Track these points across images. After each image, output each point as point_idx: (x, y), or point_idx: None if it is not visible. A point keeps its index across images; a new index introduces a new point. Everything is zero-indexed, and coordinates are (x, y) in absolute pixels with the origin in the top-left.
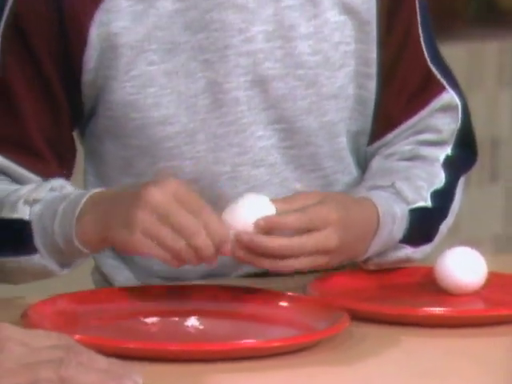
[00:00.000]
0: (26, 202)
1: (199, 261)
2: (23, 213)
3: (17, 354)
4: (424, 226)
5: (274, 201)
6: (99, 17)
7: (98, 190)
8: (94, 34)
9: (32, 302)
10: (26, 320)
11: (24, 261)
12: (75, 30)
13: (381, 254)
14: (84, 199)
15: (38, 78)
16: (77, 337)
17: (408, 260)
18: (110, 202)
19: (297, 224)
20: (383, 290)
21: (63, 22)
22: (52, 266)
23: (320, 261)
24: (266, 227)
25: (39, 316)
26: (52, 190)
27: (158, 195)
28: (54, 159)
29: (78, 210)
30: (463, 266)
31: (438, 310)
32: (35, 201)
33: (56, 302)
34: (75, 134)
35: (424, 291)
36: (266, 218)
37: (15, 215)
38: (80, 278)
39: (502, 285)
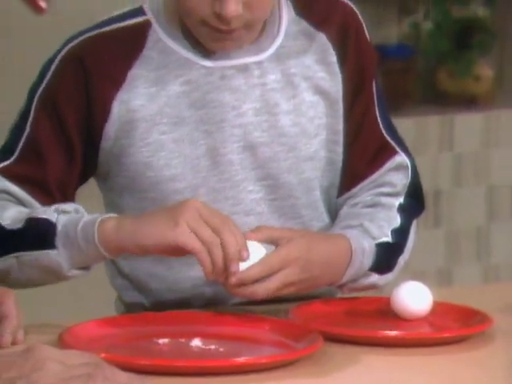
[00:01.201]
0: (56, 210)
1: (223, 262)
2: (51, 216)
3: (54, 371)
4: (387, 257)
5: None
6: (120, 96)
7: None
8: (116, 110)
9: (66, 327)
10: (61, 342)
11: (41, 255)
12: (99, 106)
13: (354, 280)
14: (107, 215)
15: (62, 138)
16: (102, 355)
17: (375, 286)
18: (134, 218)
19: (260, 275)
20: (350, 316)
21: (89, 99)
22: (64, 264)
23: (286, 291)
24: (238, 283)
25: (72, 338)
26: (76, 210)
27: (198, 203)
28: (61, 200)
29: (100, 219)
30: (413, 296)
31: (393, 333)
32: (63, 211)
33: (85, 326)
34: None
35: (382, 317)
36: (238, 275)
37: (44, 216)
38: (104, 307)
39: (445, 312)
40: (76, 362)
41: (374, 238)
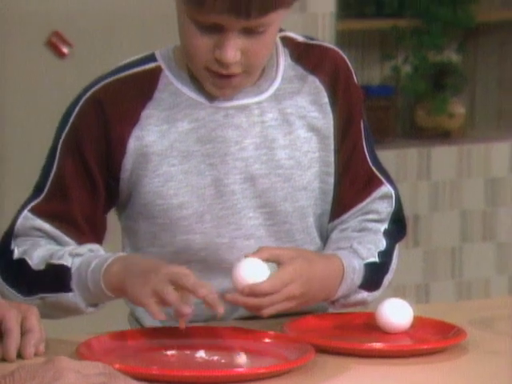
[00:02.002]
0: (70, 255)
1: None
2: (67, 261)
3: (72, 380)
4: (374, 276)
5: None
6: (135, 134)
7: (123, 253)
8: (132, 145)
9: (83, 340)
10: (78, 353)
11: (61, 297)
12: (117, 143)
13: (345, 296)
14: (112, 257)
15: (85, 175)
16: (116, 366)
17: (364, 302)
18: (133, 262)
19: (271, 289)
20: (339, 330)
21: (108, 137)
22: (81, 304)
23: (289, 306)
24: (250, 293)
25: (88, 350)
26: (90, 250)
27: (166, 267)
28: (90, 232)
29: (107, 263)
30: (396, 312)
31: (378, 345)
32: (77, 255)
33: (100, 339)
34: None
35: (368, 331)
36: (251, 286)
37: (61, 261)
38: (117, 321)
39: (424, 326)
40: (92, 371)
41: (362, 259)
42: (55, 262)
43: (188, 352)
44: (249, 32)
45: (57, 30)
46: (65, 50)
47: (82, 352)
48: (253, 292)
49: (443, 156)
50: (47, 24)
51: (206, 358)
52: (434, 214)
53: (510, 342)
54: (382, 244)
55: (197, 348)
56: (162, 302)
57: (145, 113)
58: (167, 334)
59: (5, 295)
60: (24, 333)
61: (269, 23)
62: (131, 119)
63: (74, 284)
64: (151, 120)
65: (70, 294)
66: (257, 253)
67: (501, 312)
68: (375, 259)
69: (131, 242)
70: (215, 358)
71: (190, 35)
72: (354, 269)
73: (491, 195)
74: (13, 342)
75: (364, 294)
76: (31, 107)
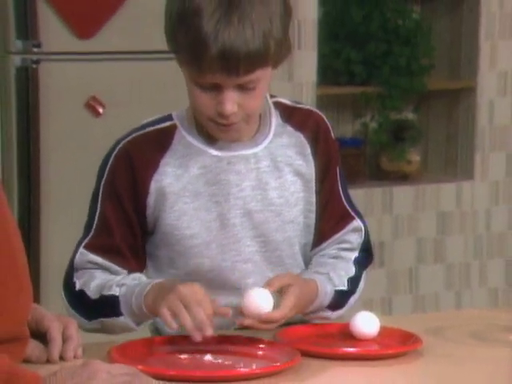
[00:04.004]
0: (117, 285)
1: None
2: (115, 291)
3: (103, 379)
4: (340, 300)
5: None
6: (156, 177)
7: (157, 280)
8: (153, 187)
9: (112, 346)
10: (109, 357)
11: (114, 320)
12: (142, 186)
13: (314, 312)
14: (149, 286)
15: (122, 213)
16: (139, 367)
17: (328, 318)
18: (163, 288)
19: (282, 318)
20: (320, 338)
21: (135, 181)
22: (131, 324)
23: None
24: (266, 321)
25: (117, 354)
26: (133, 279)
27: (182, 288)
28: (133, 259)
29: (145, 291)
30: (366, 323)
31: (351, 350)
32: (123, 285)
33: (127, 345)
34: None
35: (344, 338)
36: (267, 316)
37: (111, 292)
38: (140, 330)
39: (388, 334)
40: (119, 372)
41: (334, 286)
42: (106, 293)
43: (198, 356)
44: (242, 88)
45: (94, 94)
46: (100, 110)
47: (112, 356)
48: (269, 320)
49: (403, 194)
50: (86, 89)
51: (213, 360)
52: (395, 241)
53: (458, 347)
54: (352, 271)
55: (205, 352)
56: (175, 316)
57: (163, 161)
58: (181, 341)
59: (73, 317)
60: (65, 340)
61: (257, 79)
62: (152, 166)
63: (122, 309)
64: (168, 166)
65: (121, 318)
66: (267, 286)
67: (450, 322)
68: (344, 287)
69: (153, 265)
70: (220, 360)
71: (195, 95)
72: (326, 293)
73: (441, 226)
74: (56, 348)
75: (328, 313)
76: (72, 158)
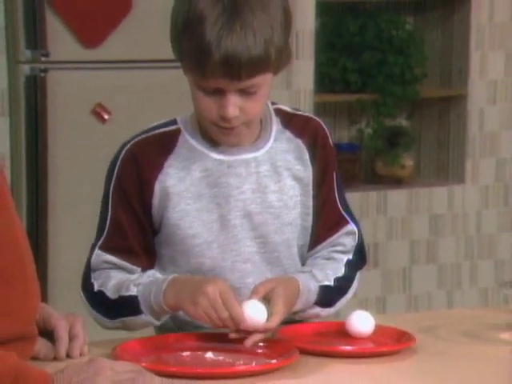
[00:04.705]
0: (135, 285)
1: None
2: (133, 291)
3: (108, 376)
4: (327, 296)
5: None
6: (160, 178)
7: (175, 275)
8: (157, 188)
9: (116, 344)
10: (113, 355)
11: (135, 318)
12: (147, 187)
13: (302, 310)
14: (165, 283)
15: (132, 213)
16: (143, 364)
17: (318, 315)
18: (182, 284)
19: (277, 325)
20: (317, 336)
21: (141, 182)
22: (151, 319)
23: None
24: (265, 330)
25: (121, 352)
26: (148, 276)
27: (210, 289)
28: (145, 257)
29: (163, 288)
30: (361, 322)
31: (347, 348)
32: (140, 284)
33: (131, 343)
34: None
35: (340, 336)
36: (266, 326)
37: (129, 293)
38: (144, 329)
39: (383, 333)
40: (123, 369)
41: (318, 281)
42: (125, 294)
43: (199, 353)
44: (243, 92)
45: (100, 101)
46: (106, 116)
47: (117, 353)
48: (267, 329)
49: (397, 197)
50: (92, 97)
51: (214, 357)
52: (389, 242)
53: (450, 345)
54: (341, 271)
55: (206, 350)
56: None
57: (167, 163)
58: (183, 339)
59: (94, 317)
60: (71, 338)
61: (258, 84)
62: (157, 167)
63: (142, 307)
64: (172, 168)
65: (142, 315)
66: (254, 295)
67: (442, 321)
68: (330, 283)
69: (159, 263)
70: (221, 357)
71: (198, 99)
72: (309, 289)
73: (434, 228)
74: (63, 346)
75: (318, 310)
76: (79, 163)
